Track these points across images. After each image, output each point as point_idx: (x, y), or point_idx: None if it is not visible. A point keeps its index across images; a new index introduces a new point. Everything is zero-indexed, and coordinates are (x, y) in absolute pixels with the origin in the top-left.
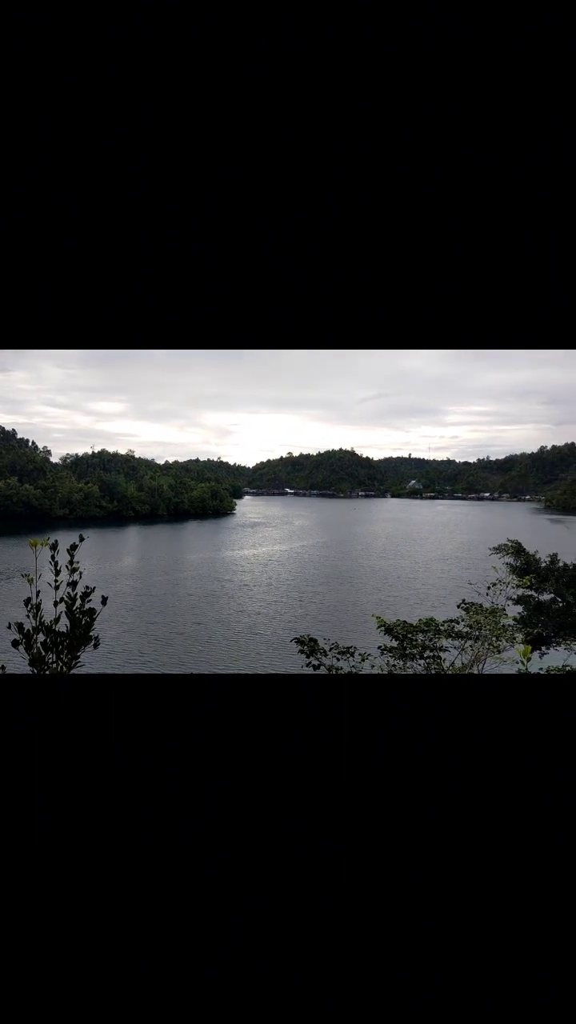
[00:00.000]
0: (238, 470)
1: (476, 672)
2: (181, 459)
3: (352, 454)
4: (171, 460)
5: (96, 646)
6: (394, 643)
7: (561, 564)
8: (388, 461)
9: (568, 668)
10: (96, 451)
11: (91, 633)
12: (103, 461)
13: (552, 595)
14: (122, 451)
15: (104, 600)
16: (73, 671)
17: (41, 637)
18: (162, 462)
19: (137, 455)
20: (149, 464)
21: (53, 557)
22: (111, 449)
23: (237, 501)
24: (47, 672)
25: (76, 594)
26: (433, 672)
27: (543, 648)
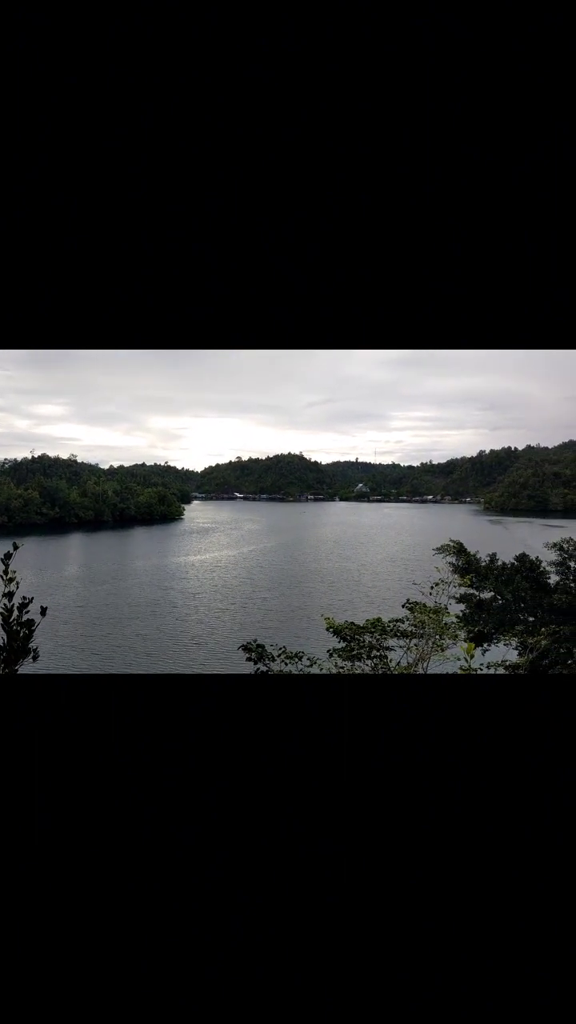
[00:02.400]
0: (186, 474)
1: (423, 671)
2: (127, 464)
3: (301, 458)
4: (116, 465)
5: (35, 658)
6: (342, 644)
7: (500, 563)
8: (336, 465)
9: (507, 663)
10: (36, 455)
11: (30, 645)
12: (44, 466)
13: (492, 593)
14: (64, 455)
15: (43, 611)
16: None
17: None
18: (107, 467)
19: (80, 459)
20: (93, 469)
21: None
22: (52, 453)
23: (186, 506)
24: None
25: (13, 605)
26: (381, 672)
27: (485, 645)
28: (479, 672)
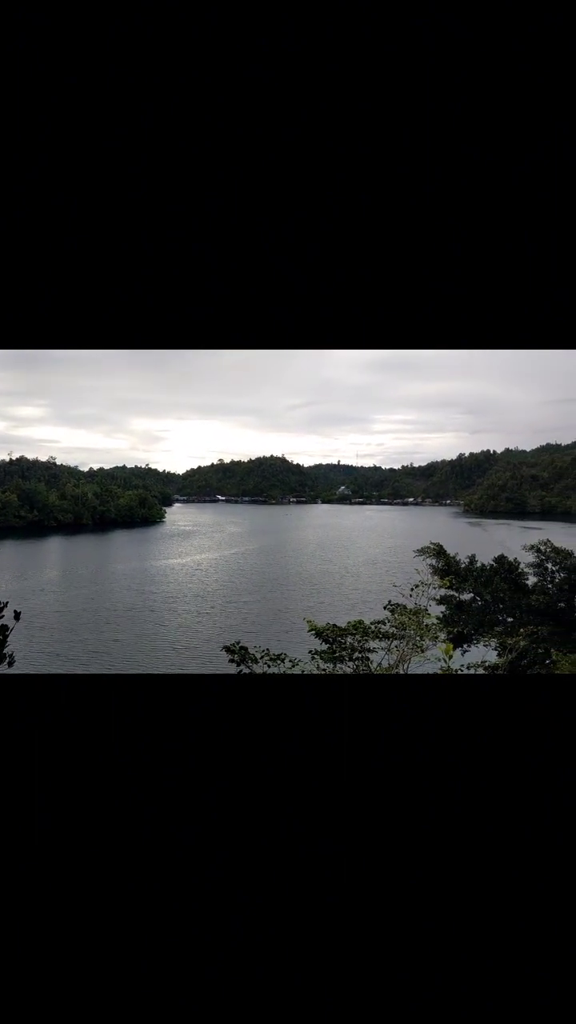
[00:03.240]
0: (168, 477)
1: (403, 671)
2: (107, 466)
3: (283, 461)
4: (96, 467)
5: (11, 664)
6: (324, 646)
7: (479, 564)
8: (318, 468)
9: (487, 663)
10: (14, 458)
11: (4, 651)
12: (22, 468)
13: (472, 594)
14: (43, 458)
15: (17, 615)
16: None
17: None
18: (87, 469)
19: (59, 462)
20: (72, 471)
21: None
22: (31, 456)
23: (167, 509)
24: None
25: None
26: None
27: (464, 646)
28: (460, 672)
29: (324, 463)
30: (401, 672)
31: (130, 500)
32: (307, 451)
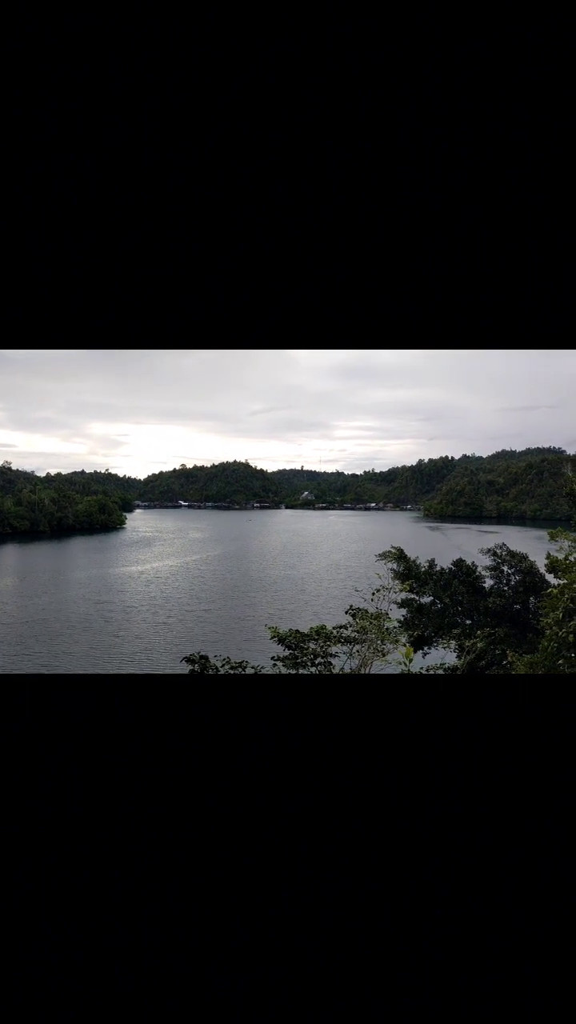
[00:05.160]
0: (128, 482)
1: (365, 673)
2: (65, 471)
3: (247, 466)
4: (54, 472)
5: None
6: (287, 653)
7: (438, 568)
8: (282, 473)
9: (446, 665)
10: None
11: None
12: None
13: (432, 597)
14: None
15: None
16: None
17: None
18: (43, 474)
19: (15, 467)
20: (28, 476)
21: None
22: None
23: (128, 515)
24: None
25: None
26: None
27: (425, 648)
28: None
29: (288, 468)
30: (364, 673)
31: (89, 506)
32: (270, 456)
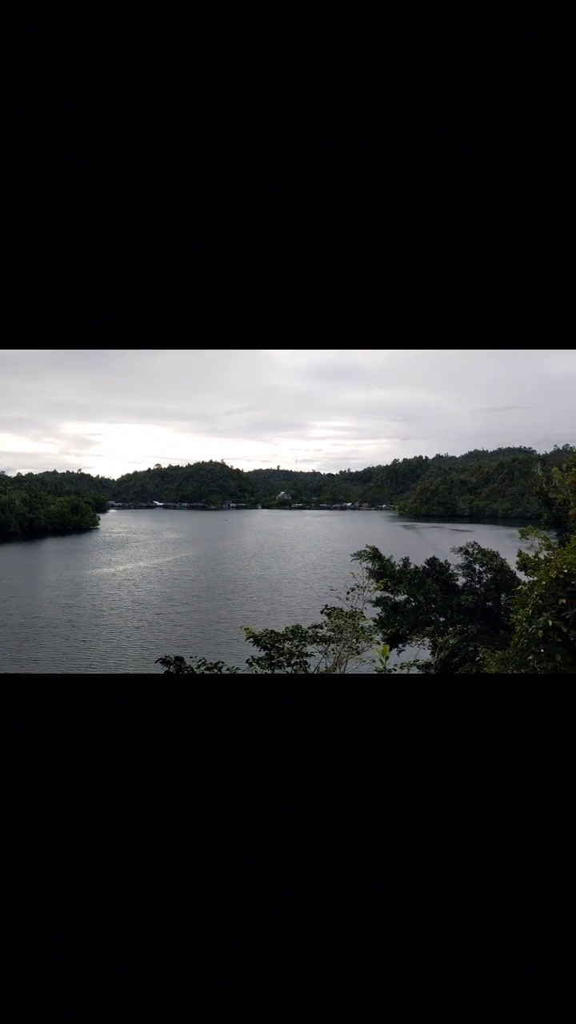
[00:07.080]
0: (102, 483)
1: (340, 672)
2: (36, 471)
3: (223, 466)
4: (24, 472)
5: None
6: (262, 653)
7: (413, 567)
8: (258, 473)
9: (419, 662)
10: None
11: None
12: None
13: (406, 596)
14: None
15: None
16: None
17: None
18: (14, 474)
19: None
20: None
21: None
22: None
23: (101, 516)
24: None
25: None
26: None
27: (399, 645)
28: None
29: (264, 468)
30: (339, 672)
31: (61, 507)
32: (246, 456)
